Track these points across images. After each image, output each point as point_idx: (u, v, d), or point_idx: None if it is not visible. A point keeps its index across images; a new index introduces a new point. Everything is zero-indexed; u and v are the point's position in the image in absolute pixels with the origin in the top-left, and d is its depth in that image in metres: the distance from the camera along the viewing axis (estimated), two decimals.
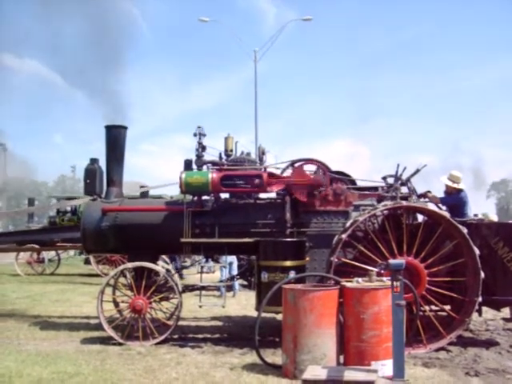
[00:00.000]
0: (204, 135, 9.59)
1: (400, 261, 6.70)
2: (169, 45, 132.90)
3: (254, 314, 8.85)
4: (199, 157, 9.58)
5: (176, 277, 9.95)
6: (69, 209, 24.34)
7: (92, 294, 13.83)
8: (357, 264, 8.53)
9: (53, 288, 17.47)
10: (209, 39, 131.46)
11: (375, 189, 9.73)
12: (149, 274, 9.42)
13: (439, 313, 9.00)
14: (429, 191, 9.77)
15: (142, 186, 19.46)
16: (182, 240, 9.30)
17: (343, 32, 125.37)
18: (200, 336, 9.81)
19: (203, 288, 9.81)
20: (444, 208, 9.44)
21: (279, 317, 8.40)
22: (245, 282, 16.74)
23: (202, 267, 10.20)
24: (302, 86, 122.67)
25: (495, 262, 8.66)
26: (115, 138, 10.20)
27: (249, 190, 9.47)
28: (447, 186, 9.77)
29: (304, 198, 9.19)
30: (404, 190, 9.58)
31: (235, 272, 14.80)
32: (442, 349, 8.45)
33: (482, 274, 8.33)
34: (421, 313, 8.14)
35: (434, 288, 8.52)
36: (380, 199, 9.43)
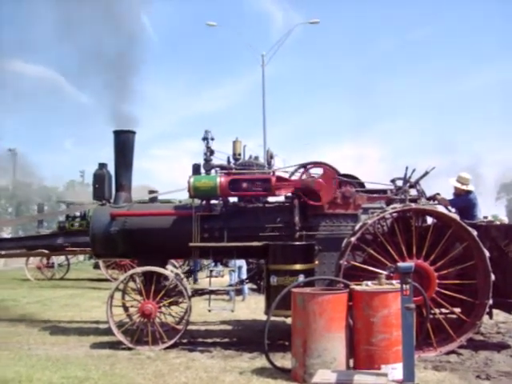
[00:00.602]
0: (212, 139, 9.60)
1: (409, 264, 6.67)
2: (176, 49, 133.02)
3: (264, 317, 8.83)
4: (207, 161, 9.59)
5: (185, 281, 9.93)
6: (78, 214, 24.43)
7: (101, 298, 13.85)
8: (366, 267, 8.50)
9: (62, 293, 17.55)
10: (217, 44, 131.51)
11: (384, 191, 9.70)
12: (158, 278, 9.43)
13: (449, 316, 8.94)
14: (438, 193, 9.73)
15: (150, 191, 19.50)
16: (191, 244, 9.30)
17: (351, 34, 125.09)
18: (209, 340, 9.80)
19: (212, 292, 9.81)
20: (453, 210, 9.40)
21: (289, 321, 8.37)
22: (254, 286, 16.71)
23: (211, 271, 10.19)
24: (311, 89, 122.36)
25: (506, 264, 8.60)
26: (124, 142, 10.22)
27: (257, 194, 9.46)
28: (456, 188, 9.72)
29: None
30: (413, 192, 9.55)
31: (244, 276, 14.79)
32: (453, 352, 8.40)
33: (493, 277, 8.28)
34: (431, 316, 8.10)
35: (443, 291, 8.47)
36: (389, 202, 9.40)
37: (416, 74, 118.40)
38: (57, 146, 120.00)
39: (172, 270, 10.22)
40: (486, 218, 9.70)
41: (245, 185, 9.32)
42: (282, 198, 9.92)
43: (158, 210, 10.07)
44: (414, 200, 9.17)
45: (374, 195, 9.61)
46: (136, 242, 9.73)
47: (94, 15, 11.73)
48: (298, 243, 9.00)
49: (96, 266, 23.16)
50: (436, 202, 9.64)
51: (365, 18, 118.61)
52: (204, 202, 9.62)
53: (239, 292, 14.56)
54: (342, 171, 9.73)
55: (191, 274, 17.88)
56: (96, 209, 10.43)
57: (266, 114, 32.33)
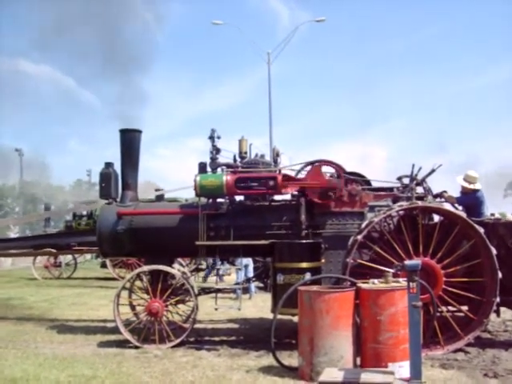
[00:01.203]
0: (218, 138, 9.60)
1: (416, 261, 6.66)
2: (182, 48, 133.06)
3: (270, 316, 8.83)
4: (213, 159, 9.59)
5: (192, 279, 9.93)
6: (85, 213, 24.48)
7: (108, 297, 13.86)
8: (373, 265, 8.49)
9: (70, 292, 17.61)
10: (222, 42, 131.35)
11: (390, 189, 9.69)
12: (165, 277, 9.45)
13: (456, 313, 8.91)
14: (445, 191, 9.71)
15: (157, 190, 19.53)
16: (198, 243, 9.31)
17: (356, 33, 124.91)
18: (216, 339, 9.81)
19: (219, 290, 9.82)
20: (460, 208, 9.37)
21: (295, 319, 8.37)
22: (261, 284, 16.73)
23: (217, 270, 10.20)
24: (317, 87, 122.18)
25: None
26: (130, 141, 10.24)
27: (263, 192, 9.46)
28: (463, 187, 9.69)
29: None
30: (419, 190, 9.53)
31: (251, 274, 14.80)
32: (460, 350, 8.38)
33: (500, 274, 8.26)
34: (438, 314, 8.09)
35: (450, 288, 8.45)
36: (395, 200, 9.38)
37: (422, 73, 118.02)
38: (63, 145, 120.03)
39: (179, 269, 10.23)
40: (493, 215, 9.65)
41: (251, 183, 9.32)
42: (288, 196, 9.92)
43: (164, 209, 10.08)
44: (420, 198, 9.15)
45: (381, 193, 9.59)
46: (143, 241, 9.74)
47: (100, 15, 11.77)
48: (304, 241, 8.99)
49: (103, 265, 23.24)
50: (443, 199, 9.61)
51: (371, 17, 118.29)
52: (210, 201, 9.63)
53: (246, 290, 14.58)
54: (348, 169, 9.72)
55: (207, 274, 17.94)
56: (103, 208, 10.45)
57: (272, 112, 32.34)
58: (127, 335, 9.11)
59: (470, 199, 9.52)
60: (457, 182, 9.79)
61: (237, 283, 12.54)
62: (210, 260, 17.68)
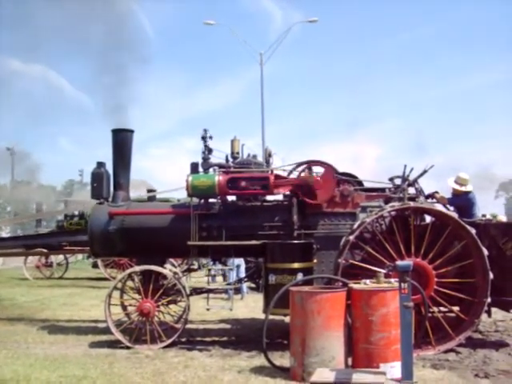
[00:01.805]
0: (211, 138, 9.59)
1: (408, 262, 6.67)
2: (175, 48, 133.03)
3: (262, 316, 8.82)
4: (205, 159, 9.59)
5: (183, 280, 9.91)
6: (76, 213, 24.40)
7: (100, 297, 13.83)
8: (364, 266, 8.50)
9: (61, 292, 17.55)
10: (216, 42, 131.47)
11: (382, 190, 9.70)
12: (156, 277, 9.43)
13: (448, 314, 8.94)
14: (436, 192, 9.73)
15: (149, 190, 19.47)
16: (189, 243, 9.30)
17: (349, 33, 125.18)
18: (208, 339, 9.80)
19: (211, 291, 9.80)
20: (452, 209, 9.40)
21: (287, 319, 8.36)
22: (253, 285, 16.72)
23: (209, 270, 10.19)
24: (309, 87, 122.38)
25: (504, 262, 8.60)
26: (122, 141, 10.21)
27: (255, 193, 9.46)
28: (454, 189, 9.70)
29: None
30: (411, 190, 9.54)
31: (243, 274, 14.79)
32: (451, 350, 8.40)
33: (491, 275, 8.28)
34: (429, 314, 8.10)
35: (442, 289, 8.47)
36: (387, 200, 9.40)
37: (414, 73, 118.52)
38: (54, 145, 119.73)
39: (170, 269, 10.21)
40: (484, 216, 9.68)
41: (243, 183, 9.30)
42: (280, 197, 9.92)
43: (156, 209, 10.06)
44: (412, 198, 9.17)
45: (373, 194, 9.61)
46: (134, 241, 9.72)
47: (92, 13, 11.73)
48: (296, 242, 9.00)
49: (95, 265, 23.16)
50: (434, 200, 9.64)
51: (364, 17, 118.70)
52: (202, 201, 9.61)
53: (238, 291, 14.56)
54: (341, 170, 9.72)
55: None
56: (94, 208, 10.42)
57: (265, 113, 32.31)
58: (118, 335, 9.08)
59: (462, 201, 9.55)
60: (448, 185, 9.83)
61: (229, 283, 12.52)
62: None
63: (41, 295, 16.46)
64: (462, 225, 8.43)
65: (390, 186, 9.71)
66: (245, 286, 15.29)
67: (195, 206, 9.55)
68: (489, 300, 8.37)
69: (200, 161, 9.61)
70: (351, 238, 8.47)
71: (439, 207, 9.18)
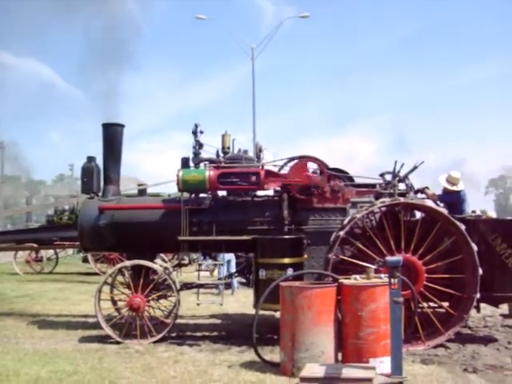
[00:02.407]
0: (201, 132, 9.57)
1: (398, 258, 6.70)
2: (166, 43, 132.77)
3: (253, 311, 8.83)
4: (196, 154, 9.57)
5: (173, 275, 9.90)
6: (67, 207, 24.30)
7: (90, 292, 13.78)
8: (355, 261, 8.52)
9: (51, 287, 17.48)
10: (207, 37, 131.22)
11: (373, 186, 9.72)
12: (146, 272, 9.41)
13: (437, 309, 8.98)
14: (426, 187, 9.75)
15: (139, 184, 19.42)
16: (180, 238, 9.29)
17: (342, 28, 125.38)
18: (198, 334, 9.80)
19: (201, 286, 9.80)
20: (442, 205, 9.42)
21: (277, 314, 8.38)
22: (243, 280, 16.73)
23: (199, 265, 10.19)
24: (301, 82, 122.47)
25: (493, 258, 8.65)
26: (112, 136, 10.17)
27: (246, 188, 9.45)
28: (445, 188, 9.71)
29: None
30: (402, 186, 9.56)
31: (233, 270, 14.79)
32: (441, 345, 8.45)
33: (480, 271, 8.33)
34: (419, 310, 8.13)
35: (432, 285, 8.51)
36: (378, 196, 9.42)
37: (404, 69, 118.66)
38: (44, 139, 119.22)
39: (161, 264, 10.20)
40: (474, 212, 9.72)
41: (234, 179, 9.30)
42: (271, 192, 9.91)
43: (146, 204, 10.04)
44: (402, 194, 9.19)
45: (363, 189, 9.62)
46: (124, 236, 9.70)
47: (83, 6, 11.67)
48: (286, 237, 9.00)
49: (85, 260, 23.07)
50: (425, 195, 9.66)
51: (356, 13, 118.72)
52: (193, 196, 9.60)
53: (228, 286, 14.57)
54: (331, 165, 9.72)
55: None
56: (84, 202, 10.39)
57: (256, 108, 32.31)
58: (108, 330, 9.07)
59: (452, 198, 9.57)
60: (439, 182, 9.84)
61: (219, 279, 12.53)
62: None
63: (31, 290, 16.39)
64: (451, 221, 8.47)
65: (381, 181, 9.72)
66: (235, 281, 15.29)
67: (186, 200, 9.53)
68: (478, 295, 8.41)
69: (191, 155, 9.59)
70: (341, 233, 8.49)
71: (429, 203, 9.21)
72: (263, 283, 8.54)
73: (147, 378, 6.94)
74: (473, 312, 8.84)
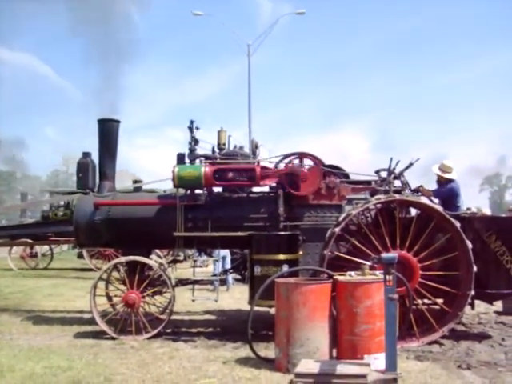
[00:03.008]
0: (197, 128, 9.56)
1: (393, 254, 6.70)
2: (162, 38, 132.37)
3: (247, 307, 8.83)
4: (192, 150, 9.56)
5: (169, 271, 9.89)
6: (62, 203, 24.26)
7: (85, 288, 13.78)
8: (350, 258, 8.53)
9: (46, 282, 17.46)
10: (203, 33, 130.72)
11: (368, 182, 9.72)
12: (142, 268, 9.41)
13: (432, 306, 9.00)
14: (421, 185, 9.77)
15: (135, 181, 19.40)
16: (175, 234, 9.29)
17: (338, 25, 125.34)
18: (193, 330, 9.81)
19: (196, 282, 9.81)
20: (437, 201, 9.44)
21: (272, 311, 8.39)
22: (238, 276, 16.72)
23: (195, 261, 10.19)
24: (297, 79, 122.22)
25: (488, 255, 8.67)
26: (108, 131, 10.17)
27: (242, 184, 9.46)
28: (438, 176, 9.76)
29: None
30: (397, 183, 9.57)
31: (228, 266, 14.79)
32: (435, 342, 8.46)
33: (475, 268, 8.35)
34: (414, 306, 8.15)
35: (426, 282, 8.53)
36: (373, 193, 9.42)
37: (406, 64, 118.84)
38: (40, 134, 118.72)
39: (156, 260, 10.19)
40: (469, 209, 9.74)
41: (229, 175, 9.30)
42: (266, 188, 9.92)
43: (141, 200, 10.02)
44: (398, 191, 9.20)
45: (359, 186, 9.63)
46: (120, 232, 9.69)
47: (78, 2, 11.62)
48: (282, 233, 9.00)
49: (80, 256, 23.06)
50: (420, 193, 9.67)
51: (352, 9, 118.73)
52: (188, 192, 9.59)
53: (223, 282, 14.57)
54: (327, 162, 9.73)
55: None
56: (79, 198, 10.38)
57: (252, 104, 32.28)
58: (104, 326, 9.06)
59: (446, 191, 9.56)
60: (432, 172, 9.88)
61: (214, 275, 12.52)
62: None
63: (25, 286, 16.37)
64: (446, 218, 8.49)
65: (376, 178, 9.73)
66: (230, 277, 15.29)
67: (181, 196, 9.53)
68: (472, 293, 8.44)
69: (186, 152, 9.58)
70: (337, 230, 8.50)
71: (424, 200, 9.22)
72: (258, 279, 8.55)
73: (142, 374, 6.94)
74: (467, 309, 8.86)
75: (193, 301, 9.61)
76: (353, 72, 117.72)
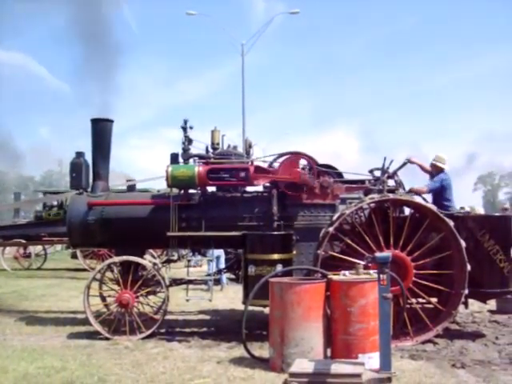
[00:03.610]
0: (191, 128, 9.54)
1: (386, 254, 6.71)
2: (156, 38, 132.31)
3: (242, 307, 8.84)
4: (185, 150, 9.54)
5: (163, 271, 9.87)
6: (55, 203, 24.19)
7: (79, 288, 13.74)
8: (344, 257, 8.54)
9: (39, 283, 17.42)
10: (197, 32, 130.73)
11: (362, 182, 9.74)
12: (136, 268, 9.39)
13: (426, 305, 9.01)
14: (411, 188, 9.76)
15: (128, 180, 19.37)
16: (169, 234, 9.27)
17: (333, 24, 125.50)
18: (187, 330, 9.79)
19: (190, 282, 9.79)
20: (430, 199, 9.47)
21: (267, 310, 8.39)
22: (232, 276, 16.71)
23: (188, 261, 10.18)
24: (291, 78, 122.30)
25: (481, 254, 8.70)
26: (101, 131, 10.14)
27: (235, 184, 9.44)
28: (431, 165, 9.78)
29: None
30: (391, 183, 9.58)
31: (223, 266, 14.78)
32: (429, 341, 8.47)
33: (469, 267, 8.36)
34: (408, 305, 8.16)
35: (420, 281, 8.54)
36: (367, 192, 9.43)
37: (400, 65, 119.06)
38: (33, 134, 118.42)
39: (150, 260, 10.17)
40: (462, 208, 9.76)
41: (223, 174, 9.28)
42: (260, 188, 9.91)
43: (135, 200, 10.01)
44: (391, 190, 9.21)
45: (352, 185, 9.64)
46: (113, 232, 9.66)
47: (73, 2, 11.60)
48: (275, 233, 8.99)
49: (74, 256, 22.99)
50: (413, 194, 9.67)
51: (347, 8, 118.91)
52: (182, 192, 9.57)
53: (217, 282, 14.55)
54: (321, 161, 9.72)
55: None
56: (73, 198, 10.34)
57: (246, 103, 32.31)
58: (97, 327, 9.04)
59: (438, 184, 9.51)
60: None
61: (208, 274, 12.51)
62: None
63: (19, 286, 16.32)
64: (440, 217, 8.50)
65: (370, 178, 9.74)
66: (224, 277, 15.28)
67: (175, 196, 9.51)
68: (466, 291, 8.45)
69: (180, 151, 9.57)
70: (331, 229, 8.50)
71: (418, 199, 9.23)
72: (252, 279, 8.54)
73: (136, 374, 6.92)
74: (461, 308, 8.88)
75: (187, 301, 9.60)
76: (347, 72, 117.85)
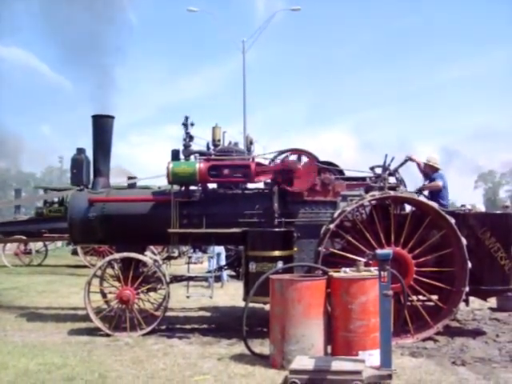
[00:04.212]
0: (192, 125, 9.54)
1: (387, 251, 6.71)
2: (157, 34, 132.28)
3: (242, 304, 8.82)
4: (186, 147, 9.54)
5: (163, 267, 9.87)
6: (56, 199, 24.21)
7: (79, 285, 13.73)
8: (345, 254, 8.53)
9: (40, 279, 17.42)
10: (198, 29, 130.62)
11: (363, 179, 9.73)
12: (136, 264, 9.39)
13: (427, 303, 9.01)
14: (424, 185, 9.80)
15: (129, 177, 19.35)
16: (170, 230, 9.26)
17: (333, 22, 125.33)
18: (188, 327, 9.80)
19: (191, 278, 9.79)
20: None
21: (267, 307, 8.39)
22: (233, 273, 16.71)
23: (189, 258, 10.17)
24: (292, 75, 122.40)
25: (482, 252, 8.69)
26: (102, 127, 10.12)
27: (236, 180, 9.44)
28: (425, 165, 9.80)
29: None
30: (392, 180, 9.58)
31: (223, 262, 14.78)
32: (429, 338, 8.48)
33: (469, 264, 8.36)
34: (408, 303, 8.16)
35: (421, 278, 8.53)
36: (368, 189, 9.42)
37: (401, 62, 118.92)
38: (34, 130, 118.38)
39: (151, 257, 10.17)
40: (463, 206, 9.75)
41: (224, 171, 9.27)
42: (261, 185, 9.90)
43: (136, 196, 10.00)
44: (392, 188, 9.20)
45: (353, 183, 9.63)
46: (114, 228, 9.66)
47: None
48: (276, 230, 8.99)
49: (74, 253, 23.00)
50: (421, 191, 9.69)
51: (348, 6, 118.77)
52: (183, 188, 9.57)
53: (218, 278, 14.55)
54: (322, 158, 9.72)
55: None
56: (74, 194, 10.34)
57: (247, 100, 32.31)
58: (98, 323, 9.04)
59: (443, 181, 9.56)
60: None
61: (209, 271, 12.51)
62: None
63: (19, 282, 16.33)
64: (441, 214, 8.49)
65: (371, 175, 9.73)
66: (225, 273, 15.28)
67: (176, 193, 9.50)
68: (467, 289, 8.45)
69: (181, 148, 9.56)
70: (331, 226, 8.49)
71: (419, 197, 9.22)
72: (253, 276, 8.53)
73: (137, 371, 6.92)
74: (462, 305, 8.88)
75: (187, 297, 9.60)
76: (346, 72, 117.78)
